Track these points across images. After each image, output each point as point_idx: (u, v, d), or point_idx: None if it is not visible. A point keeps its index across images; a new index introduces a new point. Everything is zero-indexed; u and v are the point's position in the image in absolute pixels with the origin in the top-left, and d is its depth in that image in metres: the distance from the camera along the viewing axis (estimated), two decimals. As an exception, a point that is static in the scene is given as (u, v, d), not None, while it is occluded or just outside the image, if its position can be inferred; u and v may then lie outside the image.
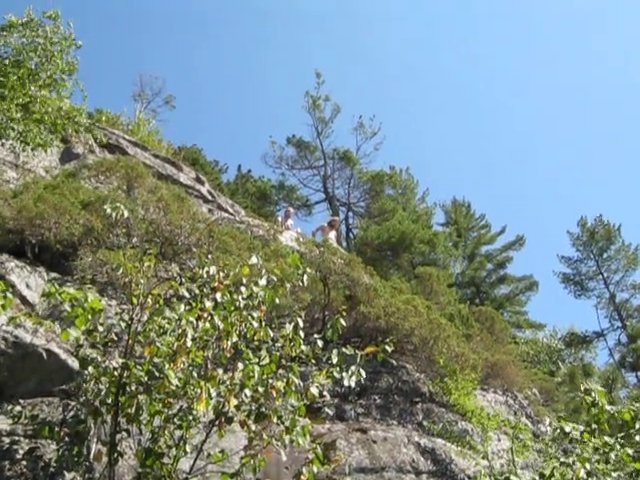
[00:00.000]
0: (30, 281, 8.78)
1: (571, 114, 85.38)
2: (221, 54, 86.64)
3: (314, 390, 5.48)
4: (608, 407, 5.86)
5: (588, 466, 5.80)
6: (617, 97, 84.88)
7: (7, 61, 10.45)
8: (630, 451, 5.73)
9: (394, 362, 11.13)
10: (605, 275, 35.14)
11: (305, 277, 6.02)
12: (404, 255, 27.34)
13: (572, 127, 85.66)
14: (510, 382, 13.87)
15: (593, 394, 5.87)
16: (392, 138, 55.00)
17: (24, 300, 8.30)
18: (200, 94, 77.24)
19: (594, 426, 5.95)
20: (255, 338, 5.76)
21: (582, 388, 6.06)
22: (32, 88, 10.58)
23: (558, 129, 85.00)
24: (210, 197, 19.12)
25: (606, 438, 5.88)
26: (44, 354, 6.53)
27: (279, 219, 20.07)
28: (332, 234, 19.23)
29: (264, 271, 5.92)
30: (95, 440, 5.60)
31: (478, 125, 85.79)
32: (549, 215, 76.52)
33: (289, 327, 5.74)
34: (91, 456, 5.50)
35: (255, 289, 5.78)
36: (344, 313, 6.03)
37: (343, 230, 32.09)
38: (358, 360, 5.70)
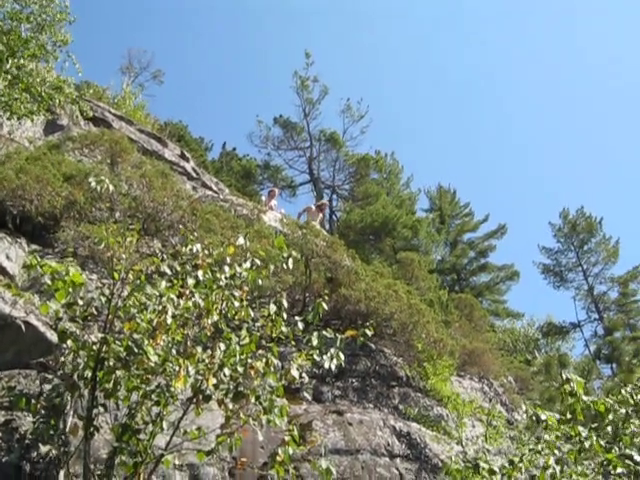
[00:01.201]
0: (10, 252, 8.71)
1: (558, 106, 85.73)
2: (211, 31, 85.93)
3: (294, 372, 5.49)
4: (585, 397, 5.93)
5: (557, 453, 5.89)
6: (601, 93, 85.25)
7: None
8: (602, 442, 5.82)
9: (372, 346, 11.20)
10: (584, 267, 35.39)
11: (290, 261, 6.02)
12: (386, 240, 27.39)
13: (558, 119, 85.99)
14: (486, 370, 14.01)
15: (572, 384, 5.93)
16: (379, 122, 55.11)
17: (4, 271, 8.23)
18: (188, 70, 76.61)
19: (569, 415, 6.02)
20: (236, 318, 5.76)
21: (561, 377, 6.12)
22: (21, 59, 10.46)
23: (544, 120, 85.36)
24: (194, 174, 19.00)
25: (580, 428, 5.96)
26: (22, 326, 6.50)
27: (263, 199, 20.00)
28: (319, 217, 19.23)
29: (249, 253, 5.92)
30: (71, 414, 5.60)
31: (465, 115, 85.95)
32: (531, 205, 77.01)
33: (272, 307, 5.74)
34: (67, 429, 5.50)
35: (238, 269, 5.78)
36: (326, 297, 6.04)
37: (327, 213, 32.07)
38: (338, 343, 5.72)
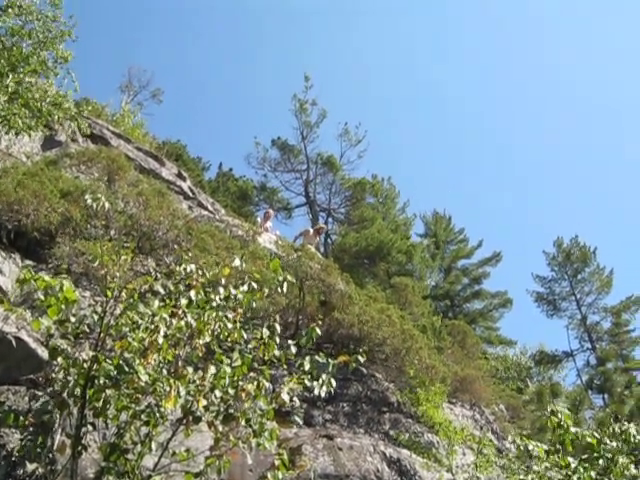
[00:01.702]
0: (4, 267, 8.67)
1: (555, 135, 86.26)
2: (211, 52, 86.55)
3: (285, 396, 5.47)
4: (573, 429, 5.92)
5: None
6: (597, 123, 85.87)
7: (0, 45, 10.38)
8: (593, 474, 5.80)
9: (364, 370, 11.16)
10: (578, 297, 35.39)
11: (285, 284, 6.02)
12: (381, 264, 27.41)
13: (555, 148, 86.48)
14: (478, 397, 13.95)
15: (559, 415, 5.92)
16: (376, 147, 55.36)
17: (-4, 286, 8.20)
18: (187, 90, 76.99)
19: (558, 446, 6.01)
20: (229, 339, 5.74)
21: (549, 408, 6.12)
22: (22, 74, 10.51)
23: (542, 149, 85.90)
24: (191, 194, 19.02)
25: (569, 459, 5.94)
26: (13, 342, 6.46)
27: (259, 220, 20.02)
28: (315, 241, 19.26)
29: (245, 276, 5.92)
30: (60, 432, 5.55)
31: (463, 142, 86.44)
32: (526, 234, 77.20)
33: (265, 331, 5.73)
34: (54, 447, 5.45)
35: (233, 292, 5.78)
36: (319, 321, 6.04)
37: (322, 236, 32.09)
38: (330, 369, 5.70)
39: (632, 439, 6.12)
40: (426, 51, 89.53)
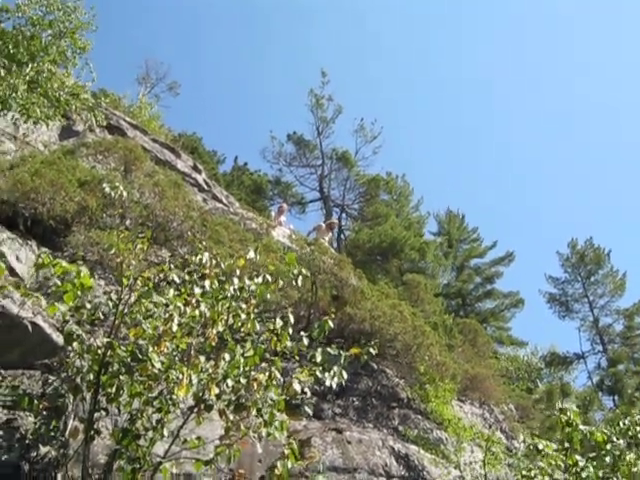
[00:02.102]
0: (20, 254, 8.77)
1: (571, 136, 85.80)
2: (227, 46, 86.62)
3: (296, 386, 5.51)
4: (582, 427, 5.93)
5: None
6: (613, 122, 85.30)
7: (20, 35, 10.46)
8: (600, 473, 5.81)
9: (375, 366, 11.20)
10: (591, 298, 35.31)
11: (299, 278, 6.06)
12: (393, 261, 27.41)
13: (572, 149, 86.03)
14: (488, 396, 13.95)
15: (568, 413, 5.94)
16: (392, 144, 55.23)
17: (13, 272, 8.28)
18: (204, 83, 77.22)
19: (567, 445, 6.03)
20: (242, 330, 5.79)
21: (558, 407, 6.14)
22: (41, 63, 10.59)
23: (558, 150, 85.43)
24: (206, 186, 19.06)
25: (577, 457, 5.95)
26: (29, 327, 6.53)
27: (272, 214, 20.08)
28: (328, 236, 19.31)
29: (260, 268, 5.96)
30: (73, 416, 5.62)
31: (479, 141, 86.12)
32: (540, 234, 76.70)
33: (279, 322, 5.77)
34: (67, 432, 5.52)
35: (248, 282, 5.82)
36: (332, 315, 6.07)
37: (335, 231, 32.11)
38: (341, 361, 5.73)
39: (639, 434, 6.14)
40: (442, 48, 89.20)
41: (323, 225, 20.30)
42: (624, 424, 6.22)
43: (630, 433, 6.15)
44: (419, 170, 76.27)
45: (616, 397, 28.28)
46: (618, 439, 6.00)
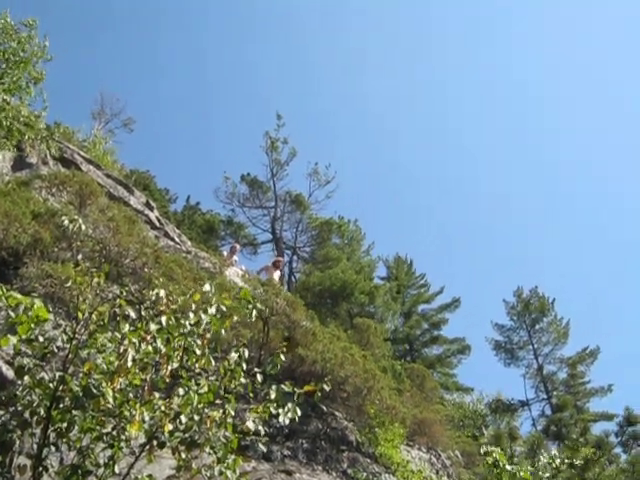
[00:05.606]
0: (-32, 285, 8.56)
1: (520, 183, 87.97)
2: (183, 84, 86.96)
3: (250, 424, 5.49)
4: (508, 467, 6.06)
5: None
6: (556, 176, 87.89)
7: None
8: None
9: (324, 408, 11.16)
10: (535, 346, 35.93)
11: (254, 312, 6.09)
12: (343, 304, 27.53)
13: (520, 198, 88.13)
14: (435, 441, 14.01)
15: (494, 455, 6.07)
16: (345, 188, 55.84)
17: (-40, 304, 8.07)
18: (158, 121, 77.24)
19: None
20: (196, 366, 5.76)
21: (482, 450, 6.28)
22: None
23: (507, 199, 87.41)
24: (158, 224, 18.98)
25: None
26: (-23, 360, 6.38)
27: (224, 254, 20.05)
28: (276, 274, 19.34)
29: (214, 300, 5.96)
30: (19, 452, 5.47)
31: (429, 189, 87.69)
32: (487, 282, 78.03)
33: (234, 356, 5.76)
34: (13, 468, 5.37)
35: (203, 316, 5.81)
36: (284, 350, 6.11)
37: (286, 273, 32.12)
38: (295, 398, 5.75)
39: (557, 464, 6.33)
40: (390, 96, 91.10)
41: (270, 265, 20.38)
42: (545, 460, 6.40)
43: (553, 465, 6.33)
44: (371, 214, 77.12)
45: (562, 444, 28.57)
46: (544, 473, 6.18)
